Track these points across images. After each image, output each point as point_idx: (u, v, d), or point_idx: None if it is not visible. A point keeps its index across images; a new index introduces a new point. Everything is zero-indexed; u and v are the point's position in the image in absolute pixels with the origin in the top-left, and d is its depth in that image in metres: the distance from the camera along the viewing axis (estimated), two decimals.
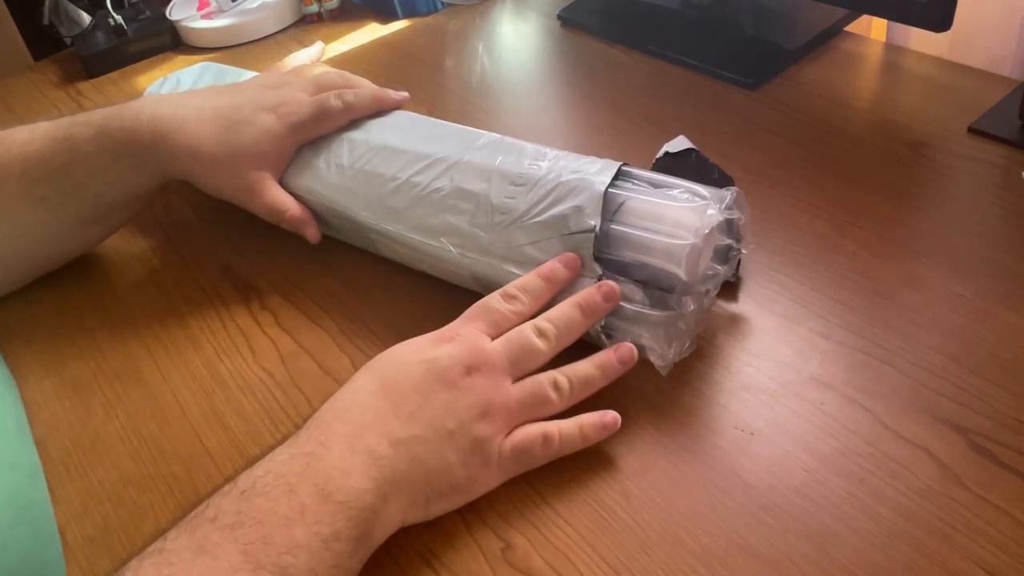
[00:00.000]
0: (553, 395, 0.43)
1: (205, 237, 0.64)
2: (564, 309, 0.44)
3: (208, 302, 0.58)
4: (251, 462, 0.39)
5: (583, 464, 0.43)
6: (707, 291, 0.47)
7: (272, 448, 0.40)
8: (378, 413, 0.40)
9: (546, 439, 0.42)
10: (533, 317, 0.45)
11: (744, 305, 0.51)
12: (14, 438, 0.47)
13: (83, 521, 0.45)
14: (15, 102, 0.89)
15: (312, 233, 0.56)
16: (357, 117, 0.56)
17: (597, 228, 0.45)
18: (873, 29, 0.93)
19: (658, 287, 0.46)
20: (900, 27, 0.99)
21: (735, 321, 0.50)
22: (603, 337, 0.47)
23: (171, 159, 0.53)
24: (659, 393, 0.46)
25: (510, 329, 0.44)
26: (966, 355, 0.46)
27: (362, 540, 0.37)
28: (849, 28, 0.77)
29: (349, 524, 0.36)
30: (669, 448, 0.44)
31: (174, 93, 0.56)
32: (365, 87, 0.56)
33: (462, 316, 0.45)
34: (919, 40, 0.98)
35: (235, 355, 0.53)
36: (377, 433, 0.39)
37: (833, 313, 0.49)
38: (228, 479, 0.38)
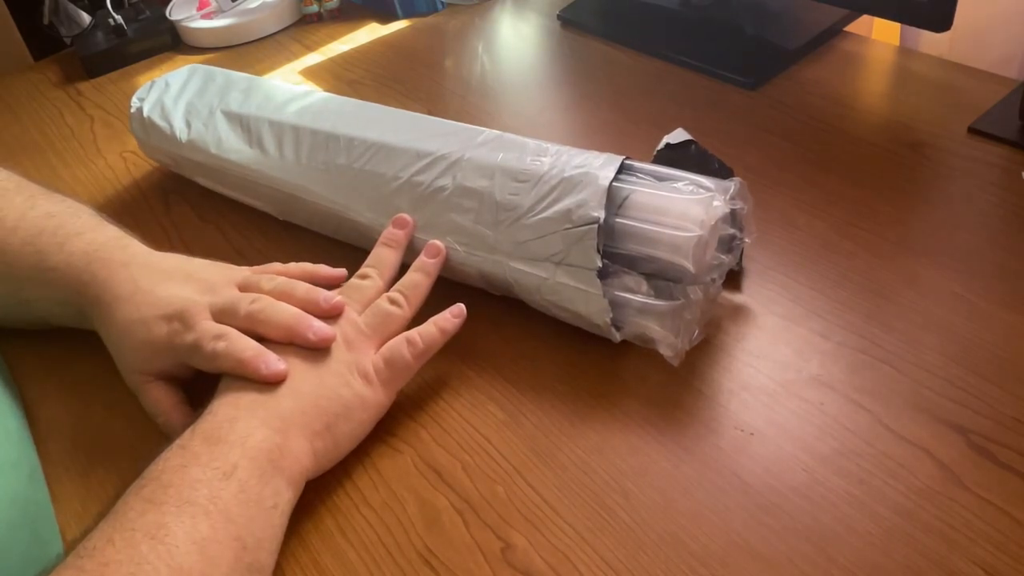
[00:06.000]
0: (392, 308, 0.48)
1: (204, 237, 0.64)
2: (379, 252, 0.52)
3: None
4: None
5: (583, 464, 0.44)
6: (712, 280, 0.47)
7: None
8: (258, 386, 0.43)
9: (409, 341, 0.46)
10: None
11: (744, 305, 0.51)
12: (14, 438, 0.47)
13: (83, 521, 0.45)
14: (15, 102, 0.89)
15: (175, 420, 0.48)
16: (219, 371, 0.46)
17: (601, 220, 0.45)
18: (874, 29, 0.93)
19: (665, 279, 0.46)
20: (910, 28, 0.99)
21: (735, 321, 0.50)
22: (613, 330, 0.47)
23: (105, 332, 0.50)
24: (659, 393, 0.47)
25: (394, 325, 0.49)
26: (966, 355, 0.46)
27: (269, 473, 0.40)
28: (849, 28, 0.77)
29: (246, 457, 0.39)
30: (669, 448, 0.44)
31: (145, 263, 0.50)
32: (240, 348, 0.45)
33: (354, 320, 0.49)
34: (928, 41, 0.98)
35: None
36: (257, 389, 0.43)
37: (833, 313, 0.49)
38: None
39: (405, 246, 0.52)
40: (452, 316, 0.48)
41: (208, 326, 0.46)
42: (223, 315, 0.47)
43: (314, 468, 0.43)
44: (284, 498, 0.40)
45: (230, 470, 0.39)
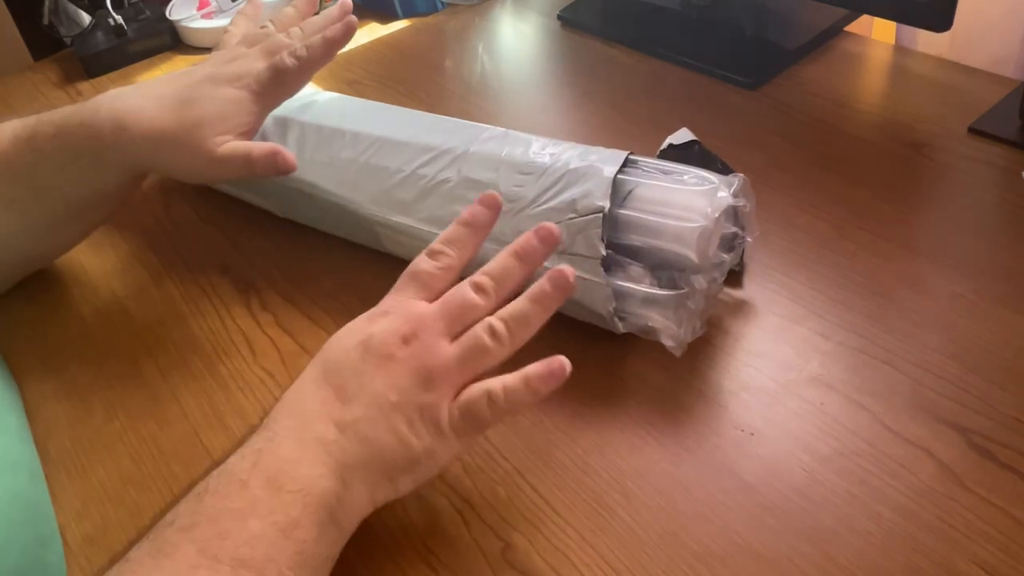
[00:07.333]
0: (491, 343, 0.40)
1: (205, 237, 0.64)
2: (501, 259, 0.42)
3: (208, 302, 0.58)
4: None
5: (583, 464, 0.44)
6: (714, 279, 0.47)
7: None
8: (323, 401, 0.39)
9: (490, 397, 0.39)
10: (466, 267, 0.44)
11: (745, 305, 0.51)
12: (15, 438, 0.47)
13: (83, 521, 0.45)
14: (15, 102, 0.89)
15: (286, 159, 0.51)
16: (317, 68, 0.55)
17: (606, 209, 0.45)
18: (874, 29, 0.93)
19: (669, 270, 0.46)
20: (907, 28, 0.99)
21: (735, 320, 0.50)
22: (616, 320, 0.47)
23: (135, 150, 0.52)
24: (659, 393, 0.47)
25: (441, 284, 0.42)
26: (966, 355, 0.46)
27: (327, 525, 0.37)
28: (849, 28, 0.78)
29: (307, 511, 0.36)
30: (669, 448, 0.44)
31: (135, 84, 0.55)
32: (315, 38, 0.54)
33: (394, 287, 0.44)
34: (926, 41, 0.98)
35: (235, 355, 0.53)
36: (323, 420, 0.39)
37: (833, 313, 0.49)
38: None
39: (486, 229, 0.44)
40: (550, 374, 0.39)
41: (275, 58, 0.53)
42: (272, 56, 0.54)
43: (368, 513, 0.39)
44: (336, 548, 0.38)
45: (289, 527, 0.35)
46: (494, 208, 0.44)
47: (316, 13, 0.61)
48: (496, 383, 0.39)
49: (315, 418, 0.39)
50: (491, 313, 0.41)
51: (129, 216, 0.67)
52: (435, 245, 0.43)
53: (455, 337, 0.41)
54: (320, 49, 0.54)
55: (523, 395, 0.39)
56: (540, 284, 0.41)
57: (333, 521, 0.37)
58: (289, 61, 0.53)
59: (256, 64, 0.54)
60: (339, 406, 0.39)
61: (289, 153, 0.52)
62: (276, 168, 0.51)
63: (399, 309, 0.42)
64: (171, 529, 0.35)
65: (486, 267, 0.42)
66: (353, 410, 0.39)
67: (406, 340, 0.40)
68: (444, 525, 0.42)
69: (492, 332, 0.40)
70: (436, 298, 0.42)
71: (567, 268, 0.41)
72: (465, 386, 0.40)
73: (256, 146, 0.51)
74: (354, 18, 0.55)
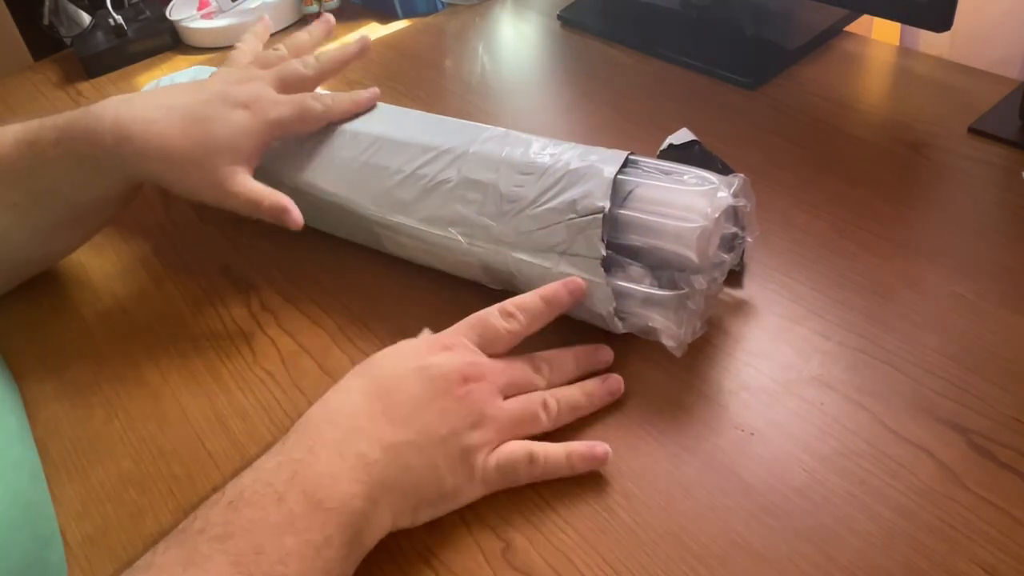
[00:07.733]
0: (542, 415, 0.43)
1: (205, 237, 0.64)
2: (564, 356, 0.47)
3: (208, 302, 0.58)
4: (249, 463, 0.39)
5: None
6: (714, 279, 0.47)
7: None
8: (370, 417, 0.40)
9: (531, 459, 0.42)
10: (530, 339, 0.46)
11: (745, 305, 0.51)
12: (15, 438, 0.47)
13: (83, 521, 0.45)
14: (15, 102, 0.89)
15: (294, 219, 0.52)
16: (335, 120, 0.56)
17: (607, 209, 0.45)
18: (875, 29, 0.93)
19: (669, 269, 0.46)
20: (910, 28, 0.99)
21: (735, 321, 0.50)
22: (616, 321, 0.47)
23: (137, 160, 0.51)
24: (659, 394, 0.47)
25: (502, 345, 0.45)
26: (966, 355, 0.46)
27: (353, 545, 0.37)
28: (849, 28, 0.78)
29: (340, 530, 0.36)
30: (669, 449, 0.44)
31: (140, 92, 0.55)
32: (342, 94, 0.57)
33: (458, 325, 0.45)
34: (928, 41, 0.98)
35: (235, 355, 0.53)
36: (368, 437, 0.39)
37: (833, 313, 0.49)
38: (216, 487, 0.38)
39: (563, 311, 0.47)
40: (592, 457, 0.42)
41: (301, 96, 0.54)
42: (284, 84, 0.55)
43: (384, 536, 0.40)
44: (354, 568, 0.38)
45: (323, 545, 0.36)
46: (575, 295, 0.46)
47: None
48: (539, 448, 0.42)
49: (360, 433, 0.39)
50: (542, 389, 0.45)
51: (129, 217, 0.67)
52: (510, 307, 0.45)
53: (506, 399, 0.43)
54: (345, 106, 0.56)
55: (561, 467, 0.42)
56: (595, 383, 0.46)
57: (358, 541, 0.38)
58: (315, 106, 0.54)
59: (270, 91, 0.54)
60: (388, 427, 0.40)
61: (298, 212, 0.52)
62: (281, 223, 0.52)
63: (463, 351, 0.44)
64: (202, 537, 0.35)
65: (549, 354, 0.46)
66: (401, 433, 0.40)
67: (466, 381, 0.42)
68: (444, 525, 0.42)
69: (546, 407, 0.43)
70: (493, 355, 0.45)
71: (619, 379, 0.46)
72: (503, 443, 0.42)
73: (267, 195, 0.52)
74: (377, 90, 0.57)
